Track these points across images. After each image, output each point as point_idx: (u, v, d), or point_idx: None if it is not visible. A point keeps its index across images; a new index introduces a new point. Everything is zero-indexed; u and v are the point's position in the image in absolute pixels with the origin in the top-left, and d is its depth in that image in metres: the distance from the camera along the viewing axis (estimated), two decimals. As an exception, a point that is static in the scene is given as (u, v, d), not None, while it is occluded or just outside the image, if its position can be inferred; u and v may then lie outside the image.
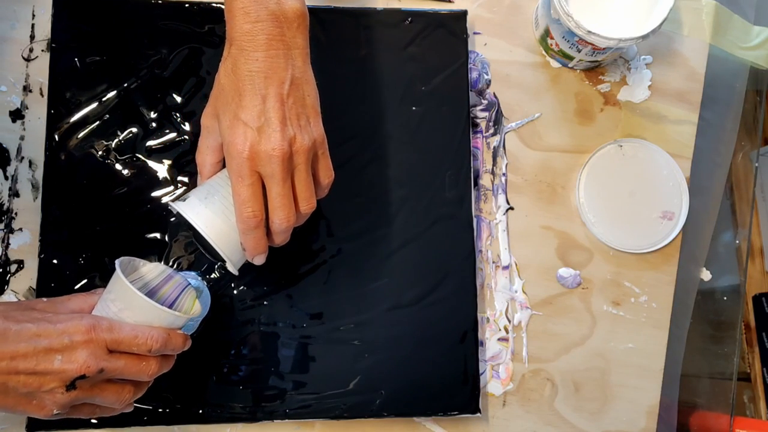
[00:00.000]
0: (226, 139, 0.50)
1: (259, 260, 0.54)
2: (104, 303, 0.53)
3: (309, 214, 0.54)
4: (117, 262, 0.53)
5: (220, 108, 0.51)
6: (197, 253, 0.65)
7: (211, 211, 0.53)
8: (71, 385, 0.48)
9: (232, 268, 0.56)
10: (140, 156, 0.66)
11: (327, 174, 0.54)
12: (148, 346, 0.51)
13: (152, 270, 0.56)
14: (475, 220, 0.70)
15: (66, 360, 0.48)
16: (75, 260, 0.64)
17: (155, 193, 0.66)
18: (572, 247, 0.72)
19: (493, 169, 0.72)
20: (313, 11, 0.61)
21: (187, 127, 0.67)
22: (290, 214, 0.51)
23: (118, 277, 0.51)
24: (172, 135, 0.67)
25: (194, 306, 0.56)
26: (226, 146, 0.50)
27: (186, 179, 0.66)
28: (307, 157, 0.51)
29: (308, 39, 0.53)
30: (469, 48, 0.72)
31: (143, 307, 0.51)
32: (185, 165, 0.67)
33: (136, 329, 0.51)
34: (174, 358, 0.55)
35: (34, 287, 0.64)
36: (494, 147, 0.72)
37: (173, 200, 0.54)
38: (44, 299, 0.54)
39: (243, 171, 0.49)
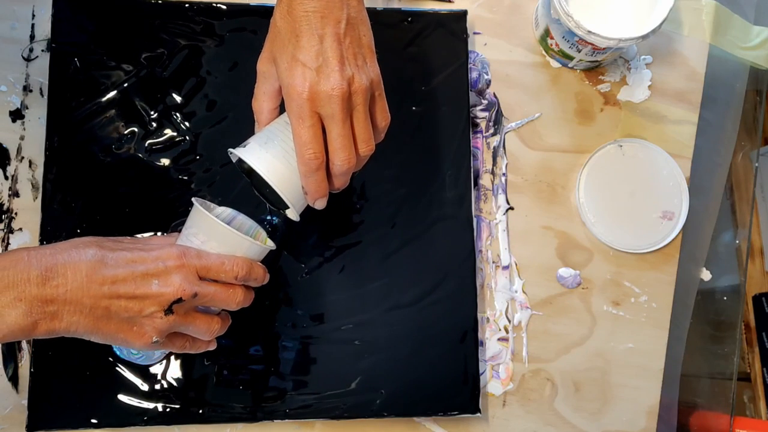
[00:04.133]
0: (285, 81, 0.50)
1: (320, 204, 0.54)
2: (185, 239, 0.54)
3: (368, 158, 0.53)
4: (194, 200, 0.54)
5: (277, 51, 0.51)
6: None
7: (272, 156, 0.52)
8: (169, 310, 0.49)
9: (294, 215, 0.56)
10: (140, 155, 0.66)
11: (384, 116, 0.53)
12: (235, 273, 0.52)
13: (223, 211, 0.58)
14: (475, 220, 0.70)
15: (162, 284, 0.49)
16: (75, 260, 0.64)
17: (155, 193, 0.66)
18: (572, 247, 0.72)
19: (493, 169, 0.72)
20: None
21: (187, 126, 0.67)
22: (351, 155, 0.51)
23: (200, 212, 0.53)
24: (173, 135, 0.67)
25: (266, 241, 0.57)
26: (285, 88, 0.50)
27: (186, 178, 0.66)
28: (366, 97, 0.50)
29: None
30: (469, 48, 0.72)
31: (226, 237, 0.53)
32: (186, 164, 0.67)
33: (222, 257, 0.52)
34: (253, 294, 0.56)
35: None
36: (494, 147, 0.72)
37: (233, 148, 0.54)
38: (127, 237, 0.55)
39: (303, 112, 0.49)
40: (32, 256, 0.47)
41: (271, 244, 0.57)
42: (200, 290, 0.51)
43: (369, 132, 0.52)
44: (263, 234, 0.58)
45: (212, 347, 0.57)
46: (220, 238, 0.53)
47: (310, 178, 0.51)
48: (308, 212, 0.57)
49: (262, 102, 0.55)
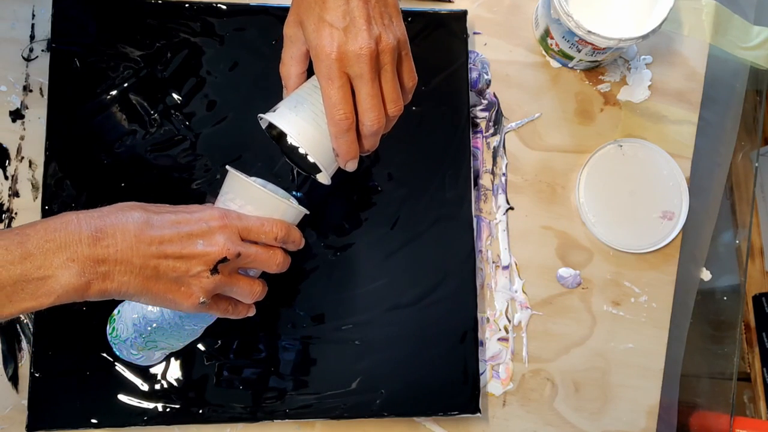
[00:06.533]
0: (313, 42, 0.50)
1: (351, 166, 0.54)
2: (222, 204, 0.55)
3: (396, 118, 0.53)
4: (228, 167, 0.55)
5: (304, 13, 0.51)
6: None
7: (302, 119, 0.53)
8: (214, 269, 0.50)
9: (325, 178, 0.56)
10: (140, 155, 0.66)
11: (411, 76, 0.54)
12: (274, 234, 0.54)
13: (255, 180, 0.58)
14: (475, 220, 0.70)
15: (207, 243, 0.50)
16: (75, 260, 0.64)
17: (155, 193, 0.66)
18: (572, 247, 0.72)
19: (493, 169, 0.72)
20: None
21: (187, 126, 0.67)
22: (380, 115, 0.51)
23: (237, 177, 0.54)
24: (173, 134, 0.67)
25: (298, 207, 0.57)
26: (314, 50, 0.50)
27: (186, 177, 0.66)
28: (393, 56, 0.50)
29: None
30: (469, 48, 0.72)
31: (264, 200, 0.54)
32: (186, 164, 0.67)
33: (261, 219, 0.54)
34: (290, 259, 0.56)
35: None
36: (494, 147, 0.72)
37: (263, 113, 0.54)
38: (166, 204, 0.56)
39: (332, 73, 0.49)
40: (81, 218, 0.48)
41: (302, 209, 0.57)
42: (243, 250, 0.51)
43: (397, 92, 0.52)
44: (294, 201, 0.58)
45: (251, 313, 0.57)
46: (257, 201, 0.54)
47: (341, 139, 0.51)
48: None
49: (290, 66, 0.55)
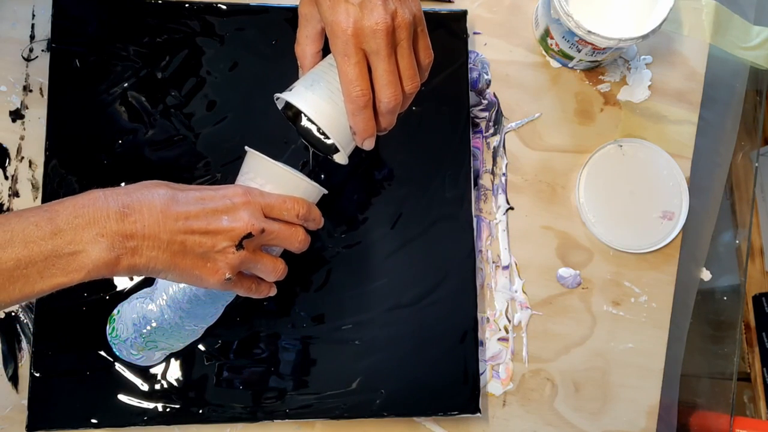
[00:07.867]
0: (329, 19, 0.50)
1: (368, 144, 0.54)
2: (242, 183, 0.55)
3: (413, 96, 0.53)
4: (248, 148, 0.55)
5: None
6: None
7: (319, 97, 0.52)
8: (239, 245, 0.51)
9: (343, 158, 0.56)
10: (140, 155, 0.66)
11: (427, 53, 0.53)
12: (296, 211, 0.54)
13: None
14: (475, 220, 0.70)
15: (232, 219, 0.50)
16: (75, 260, 0.64)
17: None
18: (572, 247, 0.72)
19: (493, 169, 0.72)
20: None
21: (187, 126, 0.67)
22: (397, 91, 0.51)
23: (257, 156, 0.54)
24: (173, 134, 0.67)
25: (318, 186, 0.57)
26: (330, 26, 0.50)
27: (187, 177, 0.66)
28: (409, 32, 0.50)
29: None
30: (469, 48, 0.72)
31: (284, 178, 0.54)
32: (186, 164, 0.67)
33: (283, 196, 0.54)
34: (310, 239, 0.56)
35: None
36: (494, 147, 0.72)
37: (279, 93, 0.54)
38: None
39: (348, 49, 0.49)
40: (108, 195, 0.48)
41: (323, 189, 0.57)
42: (267, 226, 0.52)
43: (414, 68, 0.52)
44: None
45: (273, 292, 0.58)
46: (277, 180, 0.54)
47: (358, 116, 0.51)
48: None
49: (305, 46, 0.55)
